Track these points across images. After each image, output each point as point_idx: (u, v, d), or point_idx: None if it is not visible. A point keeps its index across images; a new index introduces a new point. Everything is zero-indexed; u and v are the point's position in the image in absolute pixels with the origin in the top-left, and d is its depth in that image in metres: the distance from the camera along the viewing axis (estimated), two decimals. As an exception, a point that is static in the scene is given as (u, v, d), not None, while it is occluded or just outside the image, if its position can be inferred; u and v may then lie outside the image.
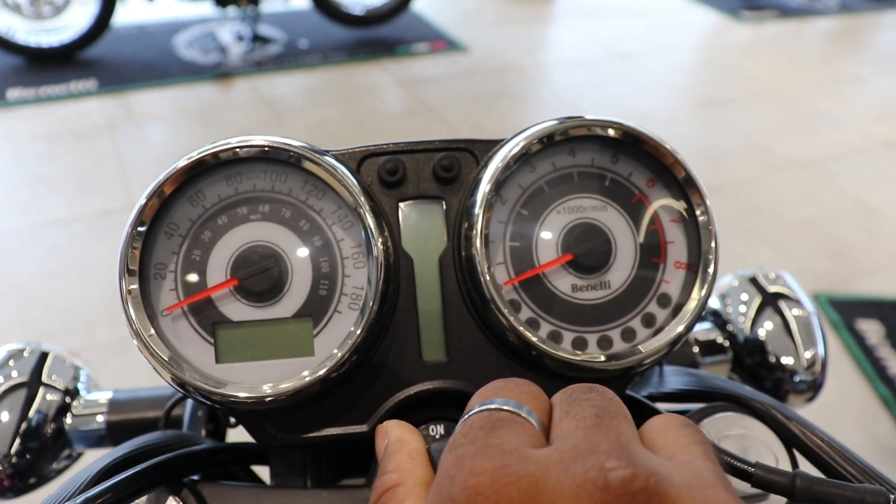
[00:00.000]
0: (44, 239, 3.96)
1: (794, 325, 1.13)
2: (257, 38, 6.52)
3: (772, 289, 1.18)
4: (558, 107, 5.59)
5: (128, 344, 3.19)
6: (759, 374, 1.12)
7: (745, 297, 1.18)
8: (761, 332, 1.13)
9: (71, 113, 5.31)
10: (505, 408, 0.45)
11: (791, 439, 0.74)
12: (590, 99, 5.72)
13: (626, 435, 0.42)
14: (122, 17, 6.16)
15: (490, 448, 0.40)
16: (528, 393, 0.48)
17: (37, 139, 4.97)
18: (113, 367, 3.05)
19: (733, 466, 0.63)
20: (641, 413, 0.76)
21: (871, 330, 3.36)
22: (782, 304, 1.15)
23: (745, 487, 0.66)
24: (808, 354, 1.10)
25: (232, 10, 6.36)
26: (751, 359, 1.13)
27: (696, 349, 1.13)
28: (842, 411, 2.97)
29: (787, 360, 1.10)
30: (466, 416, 0.46)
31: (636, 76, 6.27)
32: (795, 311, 1.14)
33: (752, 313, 1.15)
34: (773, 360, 1.11)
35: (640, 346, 0.71)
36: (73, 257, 3.82)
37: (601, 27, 7.25)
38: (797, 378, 1.09)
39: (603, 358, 0.70)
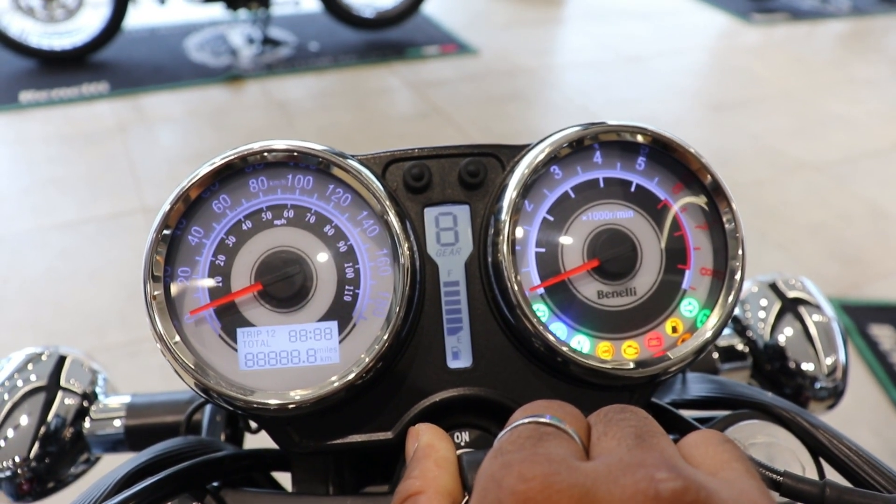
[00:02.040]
0: (55, 241, 3.98)
1: (814, 331, 1.12)
2: (268, 41, 6.53)
3: (791, 294, 1.17)
4: (569, 109, 5.57)
5: (138, 346, 3.20)
6: (778, 381, 1.11)
7: (764, 302, 1.17)
8: (781, 338, 1.12)
9: (83, 115, 5.32)
10: (551, 422, 0.45)
11: (818, 448, 0.74)
12: (600, 102, 5.71)
13: (669, 451, 0.41)
14: (134, 19, 6.18)
15: (539, 456, 0.40)
16: (570, 413, 0.47)
17: (48, 141, 4.98)
18: (124, 369, 3.06)
19: (761, 476, 0.63)
20: (667, 422, 0.75)
21: (885, 335, 3.33)
22: (802, 310, 1.14)
23: (773, 497, 0.65)
24: (828, 360, 1.09)
25: (243, 13, 6.37)
26: (771, 365, 1.12)
27: (715, 355, 1.13)
28: (855, 417, 2.95)
29: (807, 367, 1.09)
30: (512, 426, 0.46)
31: (646, 79, 6.25)
32: (816, 317, 1.13)
33: (771, 319, 1.15)
34: (793, 366, 1.10)
35: (668, 353, 0.71)
36: (84, 259, 3.83)
37: (611, 30, 7.24)
38: (818, 385, 1.08)
39: (631, 365, 0.69)
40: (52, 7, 5.73)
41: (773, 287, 1.18)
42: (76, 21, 5.90)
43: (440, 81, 6.00)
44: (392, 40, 6.65)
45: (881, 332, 3.35)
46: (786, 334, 1.12)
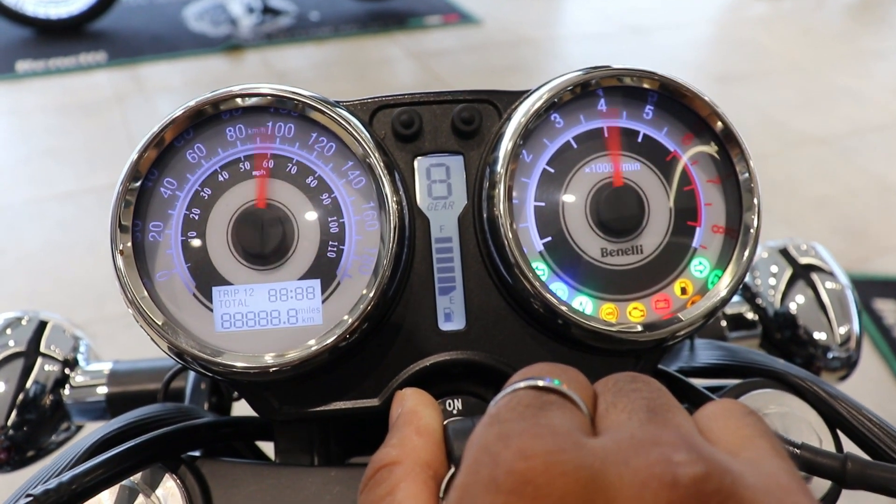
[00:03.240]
0: (53, 212, 3.93)
1: (826, 299, 1.07)
2: (268, 10, 6.43)
3: (803, 260, 1.12)
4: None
5: (136, 317, 3.15)
6: (789, 350, 1.06)
7: (775, 269, 1.12)
8: (792, 306, 1.07)
9: (80, 85, 5.25)
10: (555, 387, 0.40)
11: (835, 418, 0.69)
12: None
13: (686, 427, 0.36)
14: (132, -12, 6.09)
15: (541, 428, 0.35)
16: (575, 379, 0.42)
17: (46, 112, 4.92)
18: (122, 340, 3.02)
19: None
20: (675, 391, 0.71)
21: (889, 309, 3.29)
22: (815, 277, 1.09)
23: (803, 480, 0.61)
24: (842, 330, 1.04)
25: (242, -18, 6.29)
26: (781, 333, 1.07)
27: (724, 323, 1.08)
28: (858, 391, 2.89)
29: (819, 336, 1.04)
30: (510, 390, 0.40)
31: (650, 51, 6.16)
32: (829, 284, 1.08)
33: (782, 286, 1.10)
34: (804, 335, 1.05)
35: (677, 316, 0.66)
36: (83, 230, 3.79)
37: (615, 1, 7.13)
38: (831, 354, 1.03)
39: (638, 328, 0.64)
40: (49, -25, 5.65)
41: (785, 253, 1.13)
42: (73, -11, 5.82)
43: (442, 52, 5.92)
44: (394, 10, 6.55)
45: (885, 307, 3.31)
46: (797, 302, 1.07)
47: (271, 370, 0.61)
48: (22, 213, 3.93)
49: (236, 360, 0.61)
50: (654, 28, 6.57)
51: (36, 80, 5.29)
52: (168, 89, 5.31)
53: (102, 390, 1.02)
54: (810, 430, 0.68)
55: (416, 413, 0.47)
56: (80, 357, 1.07)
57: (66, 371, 1.04)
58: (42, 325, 1.07)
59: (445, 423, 0.47)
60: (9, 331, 1.05)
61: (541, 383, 0.40)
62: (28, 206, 3.98)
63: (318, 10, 6.54)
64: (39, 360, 1.02)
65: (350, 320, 0.62)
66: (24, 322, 1.07)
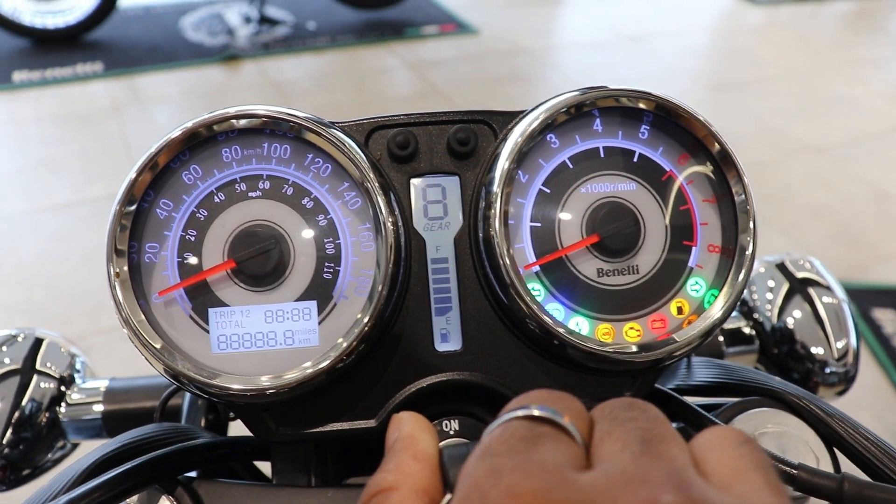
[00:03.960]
0: (49, 223, 3.92)
1: (824, 314, 1.07)
2: (265, 20, 6.44)
3: (800, 275, 1.12)
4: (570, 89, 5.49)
5: (133, 329, 3.14)
6: (786, 365, 1.06)
7: (772, 283, 1.12)
8: (789, 321, 1.07)
9: (77, 95, 5.25)
10: (548, 416, 0.39)
11: (832, 437, 0.69)
12: (601, 82, 5.60)
13: (680, 461, 0.35)
14: (129, -2, 6.10)
15: (532, 465, 0.34)
16: (571, 408, 0.41)
17: (42, 122, 4.92)
18: (119, 352, 3.01)
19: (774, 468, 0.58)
20: (672, 410, 0.70)
21: (887, 319, 3.29)
22: (812, 291, 1.09)
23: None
24: (839, 344, 1.04)
25: (239, -8, 6.30)
26: (778, 349, 1.07)
27: (721, 338, 1.08)
28: (856, 401, 2.91)
29: (817, 350, 1.04)
30: (503, 420, 0.40)
31: (647, 59, 6.18)
32: (826, 299, 1.08)
33: (779, 301, 1.10)
34: (801, 350, 1.05)
35: (673, 336, 0.66)
36: (78, 241, 3.78)
37: (612, 10, 7.15)
38: (828, 369, 1.03)
39: (634, 349, 0.64)
40: (46, -15, 5.65)
41: (781, 267, 1.13)
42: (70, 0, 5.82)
43: (439, 61, 5.92)
44: (391, 19, 6.56)
45: (883, 316, 3.30)
46: (794, 317, 1.07)
47: (268, 392, 0.61)
48: (17, 224, 3.92)
49: (233, 383, 0.61)
50: (651, 36, 6.59)
51: (33, 90, 5.29)
52: (165, 99, 5.31)
53: (98, 408, 1.02)
54: (808, 449, 0.68)
55: (412, 438, 0.47)
56: (76, 375, 1.07)
57: (62, 388, 1.03)
58: (38, 343, 1.07)
59: (441, 447, 0.47)
60: (4, 348, 1.04)
61: (536, 413, 0.39)
62: (24, 216, 3.98)
63: (315, 19, 6.55)
64: (35, 377, 1.02)
65: (346, 343, 0.62)
66: (20, 339, 1.06)
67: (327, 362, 0.61)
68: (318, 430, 0.66)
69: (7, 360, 1.02)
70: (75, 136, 4.78)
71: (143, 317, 0.63)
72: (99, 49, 5.87)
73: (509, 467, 0.34)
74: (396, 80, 5.77)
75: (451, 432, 0.66)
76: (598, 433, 0.39)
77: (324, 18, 6.56)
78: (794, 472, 0.58)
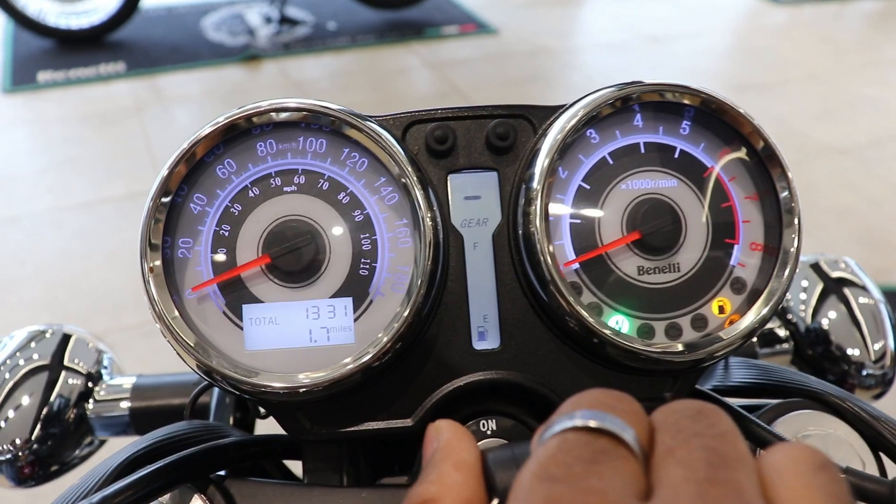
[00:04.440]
0: (71, 221, 3.95)
1: (860, 314, 1.05)
2: (285, 20, 6.46)
3: (835, 275, 1.10)
4: (590, 90, 5.47)
5: (153, 326, 3.14)
6: (821, 367, 1.04)
7: (805, 283, 1.10)
8: (825, 322, 1.05)
9: (100, 95, 5.29)
10: (609, 428, 0.37)
11: (878, 441, 0.67)
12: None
13: (748, 493, 0.33)
14: (151, -1, 6.14)
15: (592, 496, 0.33)
16: (631, 412, 0.39)
17: (66, 121, 4.96)
18: (140, 350, 3.03)
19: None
20: None
21: (914, 321, 3.24)
22: (847, 292, 1.07)
23: None
24: (876, 346, 1.02)
25: (260, -8, 6.32)
26: (813, 350, 1.05)
27: (754, 339, 1.06)
28: (880, 405, 2.87)
29: (853, 352, 1.02)
30: (558, 431, 0.38)
31: (668, 60, 6.14)
32: (862, 299, 1.06)
33: (813, 301, 1.08)
34: (837, 351, 1.03)
35: (717, 335, 0.64)
36: (100, 240, 3.80)
37: (632, 10, 7.11)
38: (865, 371, 1.01)
39: (680, 348, 0.63)
40: (70, -14, 5.70)
41: (816, 267, 1.11)
42: (94, 0, 5.85)
43: (459, 61, 5.92)
44: (411, 19, 6.56)
45: (910, 319, 3.25)
46: (829, 317, 1.05)
47: (301, 390, 0.60)
48: (41, 223, 3.95)
49: (269, 381, 0.60)
50: (672, 37, 6.55)
51: (56, 90, 5.33)
52: (186, 99, 5.34)
53: (126, 405, 1.01)
54: (852, 452, 0.67)
55: (452, 447, 0.46)
56: (103, 371, 1.06)
57: (90, 385, 1.03)
58: (66, 339, 1.07)
59: (484, 450, 0.46)
60: (33, 344, 1.04)
61: (593, 424, 0.37)
62: (47, 215, 4.00)
63: (336, 20, 6.56)
64: (63, 373, 1.02)
65: (384, 339, 0.61)
66: (48, 335, 1.06)
67: (366, 359, 0.60)
68: (353, 429, 0.65)
69: (35, 356, 1.02)
70: (98, 135, 4.82)
71: (177, 313, 0.62)
72: (121, 49, 5.91)
73: (569, 498, 0.33)
74: (416, 80, 5.77)
75: (489, 432, 0.65)
76: (660, 447, 0.37)
77: (344, 18, 6.57)
78: (842, 476, 0.56)
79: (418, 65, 5.87)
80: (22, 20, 5.63)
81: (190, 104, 5.30)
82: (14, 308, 3.38)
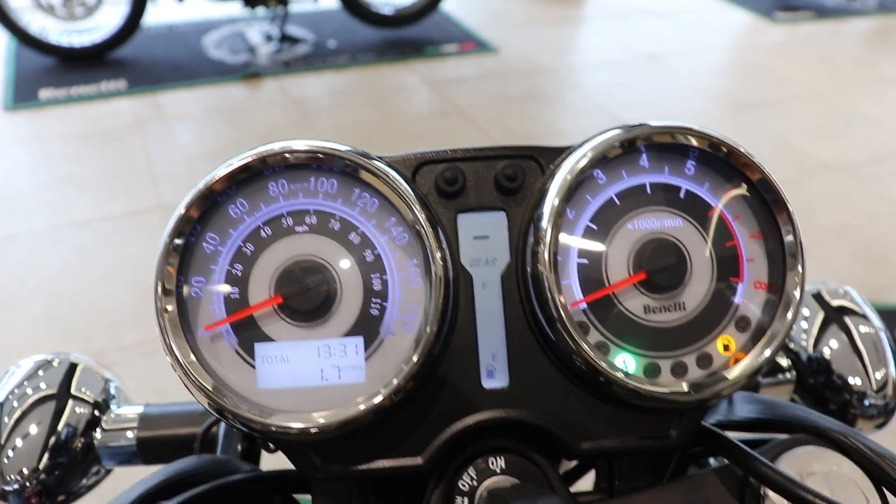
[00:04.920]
0: (71, 238, 3.96)
1: (861, 343, 1.05)
2: (286, 38, 6.50)
3: (836, 303, 1.11)
4: (588, 109, 5.51)
5: (153, 346, 3.15)
6: (823, 396, 1.05)
7: (807, 312, 1.11)
8: (826, 351, 1.06)
9: (101, 113, 5.32)
10: None
11: (881, 477, 0.68)
12: (620, 101, 5.63)
13: None
14: (152, 17, 6.17)
15: None
16: None
17: (67, 139, 4.98)
18: (139, 369, 3.03)
19: None
20: (717, 447, 0.70)
21: (913, 340, 3.25)
22: (848, 321, 1.08)
23: None
24: (878, 375, 1.03)
25: (261, 11, 6.36)
26: (815, 379, 1.06)
27: (756, 370, 1.07)
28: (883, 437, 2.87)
29: (854, 381, 1.03)
30: None
31: (667, 78, 6.18)
32: (863, 328, 1.07)
33: (815, 330, 1.08)
34: (838, 380, 1.04)
35: (722, 374, 0.65)
36: (100, 258, 3.82)
37: (631, 29, 7.16)
38: (867, 401, 1.02)
39: (685, 387, 0.64)
40: (72, 5, 5.74)
41: (817, 297, 1.12)
42: (95, 18, 5.91)
43: (459, 80, 5.95)
44: (411, 38, 6.61)
45: (909, 338, 3.26)
46: (831, 346, 1.06)
47: (313, 430, 0.61)
48: (41, 240, 3.96)
49: (284, 421, 0.61)
50: (670, 55, 6.59)
51: (58, 107, 5.36)
52: (187, 116, 5.37)
53: (133, 434, 1.02)
54: (856, 489, 0.67)
55: None
56: (110, 399, 1.07)
57: (97, 413, 1.04)
58: (73, 368, 1.07)
59: (504, 489, 0.46)
60: (40, 373, 1.05)
61: None
62: (47, 232, 4.02)
63: (336, 38, 6.60)
64: (70, 402, 1.02)
65: (396, 380, 0.61)
66: (54, 364, 1.07)
67: (378, 399, 0.61)
68: (363, 467, 0.66)
69: (43, 385, 1.03)
70: (99, 152, 4.84)
71: (193, 357, 0.63)
72: (123, 67, 5.95)
73: None
74: (416, 99, 5.80)
75: (498, 469, 0.66)
76: None
77: (344, 37, 6.61)
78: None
79: (418, 83, 5.90)
80: (24, 38, 5.67)
81: (191, 122, 5.32)
82: (14, 325, 3.39)
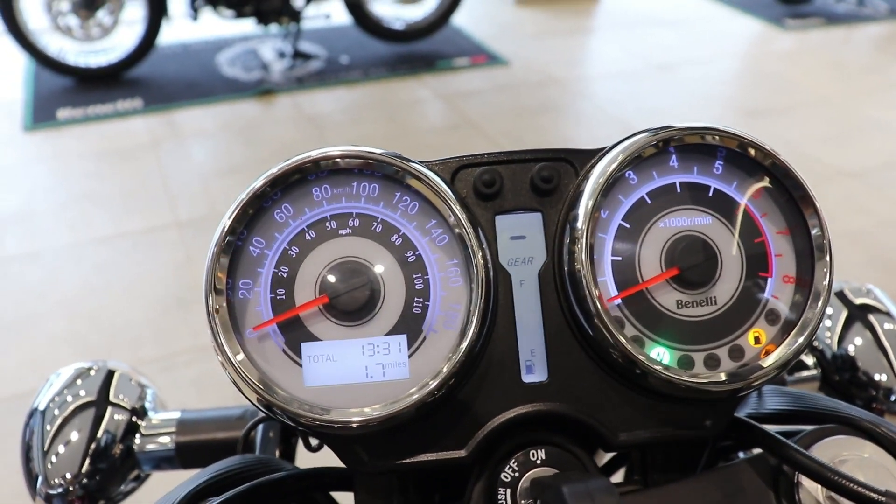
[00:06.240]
0: (90, 255, 4.01)
1: (885, 340, 1.07)
2: (298, 55, 6.56)
3: (859, 301, 1.13)
4: (601, 120, 5.53)
5: (172, 360, 3.20)
6: (849, 392, 1.07)
7: (830, 310, 1.13)
8: (851, 348, 1.07)
9: (117, 131, 5.38)
10: None
11: None
12: (633, 111, 5.65)
13: None
14: (167, 36, 6.24)
15: None
16: None
17: (84, 158, 5.04)
18: (159, 383, 3.04)
19: (860, 494, 0.59)
20: (752, 439, 0.72)
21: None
22: (872, 318, 1.10)
23: None
24: (903, 371, 1.04)
25: (274, 28, 6.42)
26: (840, 376, 1.07)
27: (783, 367, 1.08)
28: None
29: (880, 378, 1.05)
30: None
31: (678, 87, 6.20)
32: (887, 325, 1.09)
33: (839, 328, 1.10)
34: (864, 377, 1.05)
35: (759, 363, 0.67)
36: (119, 274, 3.86)
37: (641, 39, 7.19)
38: (893, 397, 1.03)
39: (723, 377, 0.66)
40: (89, 26, 5.82)
41: (840, 295, 1.14)
42: (111, 39, 5.98)
43: (471, 93, 5.99)
44: (422, 52, 6.65)
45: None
46: (855, 344, 1.08)
47: (366, 423, 0.63)
48: (61, 257, 4.01)
49: (342, 416, 0.63)
50: (681, 64, 6.61)
51: (76, 126, 5.43)
52: (202, 134, 5.42)
53: (172, 439, 1.04)
54: (889, 475, 0.69)
55: None
56: (147, 405, 1.10)
57: (135, 419, 1.06)
58: (110, 375, 1.10)
59: (559, 482, 0.48)
60: (79, 381, 1.08)
61: None
62: (67, 249, 4.06)
63: (348, 53, 6.66)
64: (109, 409, 1.05)
65: (439, 377, 0.64)
66: (92, 372, 1.10)
67: (422, 395, 0.63)
68: (409, 460, 0.68)
69: (82, 393, 1.06)
70: (116, 170, 4.90)
71: (242, 354, 0.65)
72: (138, 86, 6.02)
73: None
74: (429, 112, 5.84)
75: (538, 462, 0.68)
76: None
77: (356, 52, 6.67)
78: (883, 498, 0.59)
79: (430, 97, 5.94)
80: (43, 59, 5.76)
81: (205, 139, 5.38)
82: (35, 341, 3.43)
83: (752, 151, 0.70)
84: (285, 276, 0.68)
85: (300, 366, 0.67)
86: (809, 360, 1.10)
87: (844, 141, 5.21)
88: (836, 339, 1.09)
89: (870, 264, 3.87)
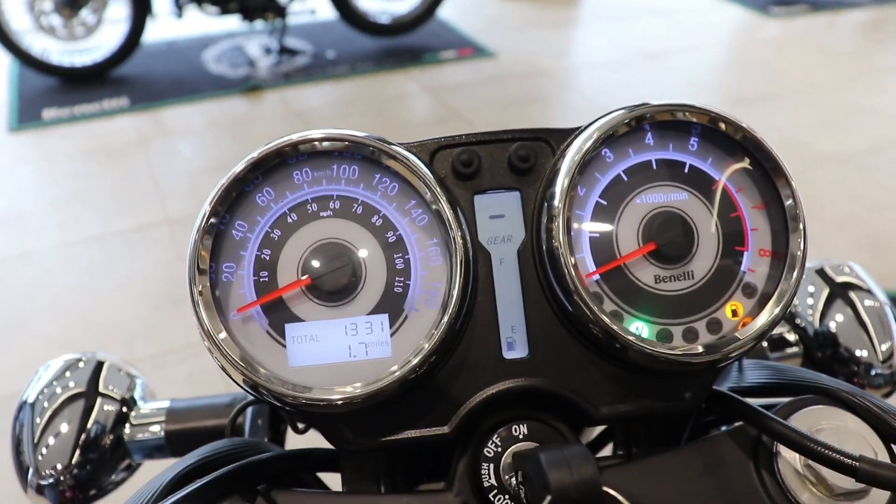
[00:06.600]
0: (81, 255, 4.00)
1: (866, 317, 1.08)
2: (285, 51, 6.55)
3: (840, 279, 1.14)
4: (589, 110, 5.53)
5: (164, 358, 3.20)
6: (831, 368, 1.08)
7: (812, 288, 1.14)
8: (832, 325, 1.09)
9: (104, 130, 5.36)
10: None
11: (889, 432, 0.70)
12: (620, 100, 5.57)
13: None
14: (152, 34, 6.22)
15: None
16: None
17: (72, 157, 5.02)
18: (152, 381, 3.04)
19: (834, 460, 0.60)
20: (731, 410, 0.73)
21: (920, 326, 3.26)
22: (853, 295, 1.11)
23: (847, 483, 0.63)
24: (884, 347, 1.06)
25: (259, 24, 6.40)
26: (822, 352, 1.08)
27: (764, 344, 1.10)
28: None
29: (861, 353, 1.06)
30: None
31: (666, 76, 6.21)
32: (868, 302, 1.10)
33: (820, 305, 1.11)
34: (845, 353, 1.07)
35: (735, 335, 0.68)
36: (110, 273, 3.85)
37: (628, 28, 7.20)
38: (874, 371, 1.04)
39: (700, 349, 0.67)
40: (73, 25, 5.79)
41: (821, 273, 1.15)
42: (96, 38, 5.95)
43: (458, 85, 5.99)
44: (408, 46, 6.65)
45: (916, 324, 3.28)
46: (836, 320, 1.09)
47: (348, 401, 0.64)
48: (51, 257, 4.00)
49: (324, 395, 0.64)
50: (668, 53, 6.62)
51: (62, 126, 5.40)
52: (189, 131, 5.41)
53: (161, 428, 1.05)
54: (865, 443, 0.70)
55: None
56: (136, 396, 1.10)
57: (125, 409, 1.06)
58: (99, 366, 1.10)
59: (536, 451, 0.49)
60: (68, 373, 1.08)
61: None
62: (57, 250, 4.05)
63: (334, 48, 6.65)
64: (99, 400, 1.05)
65: (420, 354, 0.65)
66: (81, 363, 1.10)
67: (403, 372, 0.64)
68: (393, 437, 0.69)
69: (71, 384, 1.06)
70: (104, 169, 4.88)
71: (224, 332, 0.66)
72: (124, 85, 6.00)
73: None
74: (416, 106, 5.84)
75: (521, 437, 0.68)
76: None
77: (342, 47, 6.66)
78: (856, 463, 0.60)
79: (417, 90, 5.94)
80: (27, 59, 5.73)
81: (193, 136, 5.36)
82: (28, 342, 3.42)
83: (723, 126, 0.71)
84: (268, 258, 0.69)
85: (284, 346, 0.68)
86: (792, 336, 1.12)
87: (833, 126, 5.24)
88: (817, 316, 1.10)
89: (861, 248, 3.89)
